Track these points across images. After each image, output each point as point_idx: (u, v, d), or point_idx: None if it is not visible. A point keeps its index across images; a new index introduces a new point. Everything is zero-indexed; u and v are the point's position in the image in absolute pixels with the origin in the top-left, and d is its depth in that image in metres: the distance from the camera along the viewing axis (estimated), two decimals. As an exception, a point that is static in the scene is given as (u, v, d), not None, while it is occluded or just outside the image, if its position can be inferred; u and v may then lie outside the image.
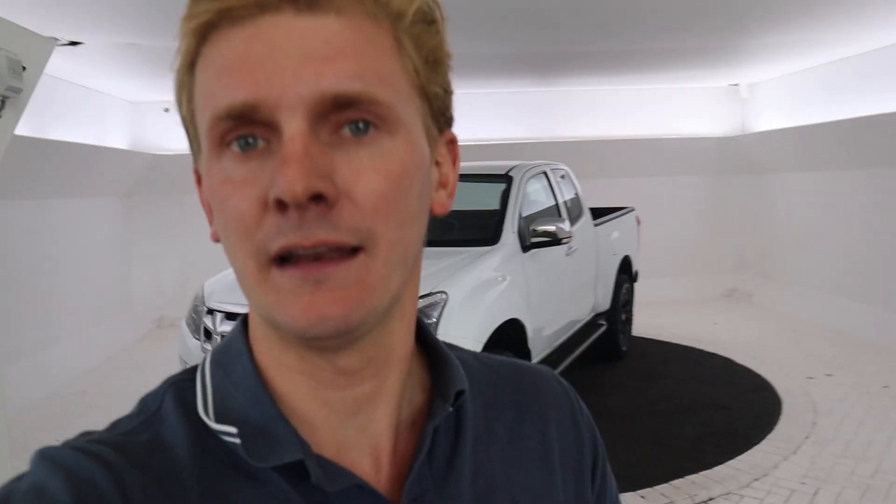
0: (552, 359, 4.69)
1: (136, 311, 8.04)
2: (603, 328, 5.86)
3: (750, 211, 9.08)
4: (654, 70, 7.83)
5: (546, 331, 4.50)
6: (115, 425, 0.55)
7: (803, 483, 3.94)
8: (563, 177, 5.66)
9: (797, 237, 8.19)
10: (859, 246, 7.09)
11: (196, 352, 3.74)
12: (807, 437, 4.53)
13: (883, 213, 6.74)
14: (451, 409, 0.61)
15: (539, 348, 4.42)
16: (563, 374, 4.87)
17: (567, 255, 5.00)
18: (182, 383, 0.58)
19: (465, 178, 5.12)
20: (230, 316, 3.65)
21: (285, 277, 0.48)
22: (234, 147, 0.49)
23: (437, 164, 0.59)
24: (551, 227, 4.45)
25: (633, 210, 6.94)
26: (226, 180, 0.49)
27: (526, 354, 4.16)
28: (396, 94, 0.50)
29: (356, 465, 0.57)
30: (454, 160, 0.62)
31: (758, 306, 8.66)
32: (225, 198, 0.49)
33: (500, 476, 0.64)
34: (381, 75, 0.50)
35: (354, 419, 0.57)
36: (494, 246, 4.19)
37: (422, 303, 3.51)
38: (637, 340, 6.85)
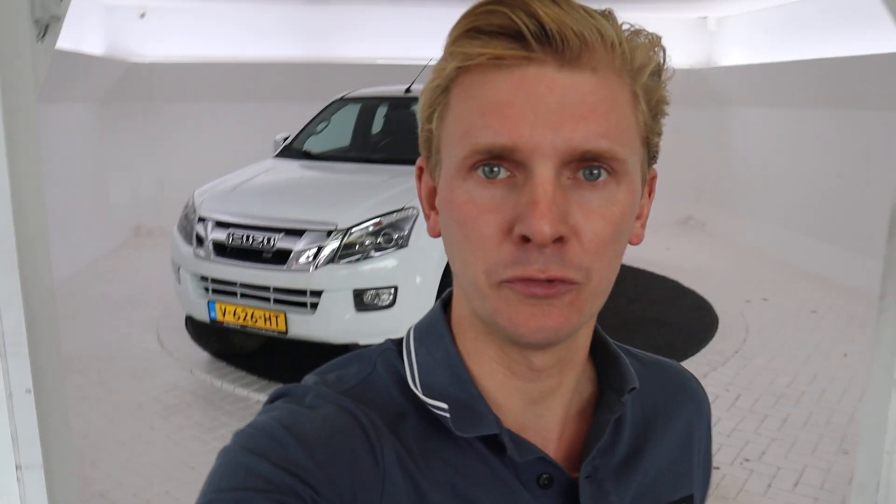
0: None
1: (113, 218, 8.24)
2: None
3: (711, 143, 9.41)
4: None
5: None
6: (341, 379, 0.64)
7: (727, 390, 4.45)
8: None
9: (752, 170, 8.60)
10: (806, 181, 7.52)
11: (189, 257, 4.06)
12: (736, 352, 5.04)
13: (832, 152, 7.14)
14: (624, 403, 0.67)
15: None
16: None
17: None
18: (389, 352, 0.67)
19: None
20: (220, 224, 3.96)
21: (514, 291, 0.55)
22: (480, 172, 0.55)
23: None
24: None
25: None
26: (469, 201, 0.56)
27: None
28: (630, 149, 0.57)
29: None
30: (650, 192, 0.66)
31: (710, 234, 9.14)
32: (469, 218, 0.56)
33: (654, 456, 0.71)
34: (621, 132, 0.55)
35: (535, 406, 0.65)
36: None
37: (394, 217, 3.85)
38: (593, 262, 7.27)
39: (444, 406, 0.62)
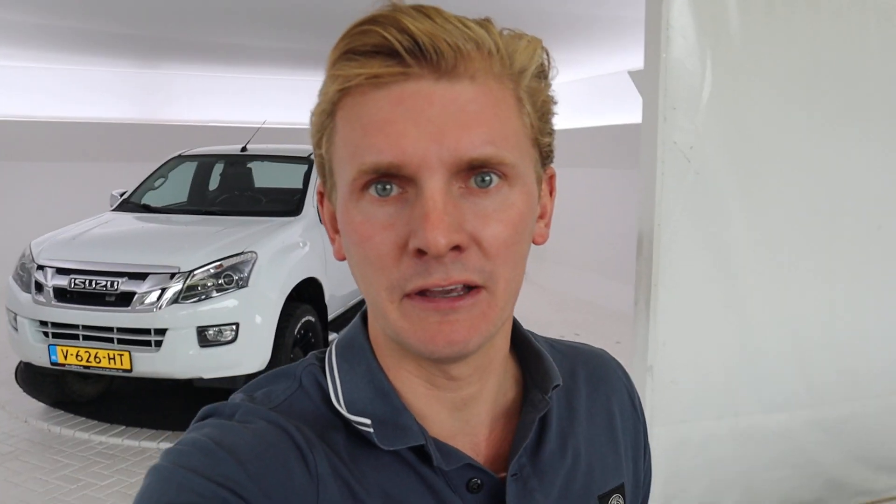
0: (347, 316, 5.47)
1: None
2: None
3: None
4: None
5: (340, 291, 5.28)
6: (268, 396, 0.64)
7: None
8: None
9: (565, 224, 9.55)
10: (605, 230, 8.52)
11: (28, 304, 4.15)
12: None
13: (619, 205, 8.17)
14: (549, 400, 0.67)
15: (335, 305, 5.19)
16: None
17: (361, 228, 5.80)
18: (314, 367, 0.67)
19: (272, 158, 5.79)
20: (61, 271, 4.09)
21: (417, 308, 0.55)
22: (372, 191, 0.55)
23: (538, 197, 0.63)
24: (347, 203, 5.26)
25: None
26: (365, 221, 0.56)
27: (323, 309, 4.92)
28: (518, 152, 0.57)
29: (460, 449, 0.64)
30: (551, 191, 0.67)
31: (533, 284, 9.92)
32: (366, 237, 0.56)
33: (581, 449, 0.71)
34: (507, 136, 0.56)
35: (459, 413, 0.65)
36: (297, 217, 4.90)
37: (235, 260, 4.15)
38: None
39: (367, 422, 0.62)
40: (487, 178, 0.55)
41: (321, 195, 0.65)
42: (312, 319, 4.69)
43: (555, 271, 9.69)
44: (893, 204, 3.29)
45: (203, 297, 4.04)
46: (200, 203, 5.56)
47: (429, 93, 0.53)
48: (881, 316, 3.23)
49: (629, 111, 7.59)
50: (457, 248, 0.54)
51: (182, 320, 3.97)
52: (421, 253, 0.53)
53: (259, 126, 6.21)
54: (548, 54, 0.60)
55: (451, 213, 0.53)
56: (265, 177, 5.93)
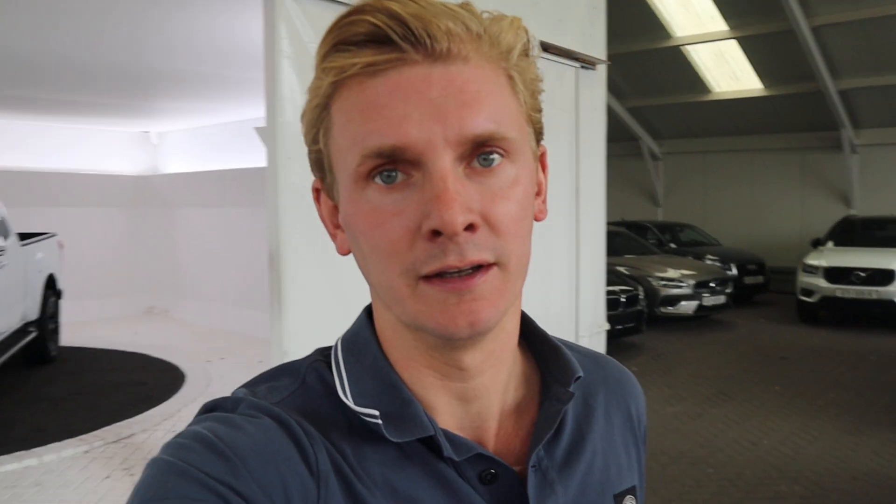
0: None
1: None
2: (32, 335, 6.87)
3: (162, 239, 10.70)
4: (78, 115, 9.01)
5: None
6: (272, 391, 0.62)
7: (197, 417, 5.75)
8: (-11, 203, 6.49)
9: (200, 260, 10.10)
10: (242, 265, 9.27)
11: None
12: (201, 393, 6.36)
13: (250, 240, 8.97)
14: (573, 393, 0.66)
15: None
16: None
17: (-3, 269, 5.95)
18: (318, 364, 0.65)
19: None
20: None
21: (434, 290, 0.55)
22: (378, 180, 0.55)
23: None
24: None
25: (55, 235, 7.98)
26: (372, 209, 0.56)
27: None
28: (517, 128, 0.58)
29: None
30: (544, 168, 0.67)
31: (173, 319, 10.34)
32: (375, 225, 0.56)
33: (598, 446, 0.71)
34: (507, 113, 0.57)
35: (469, 405, 0.64)
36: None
37: None
38: (68, 349, 7.94)
39: (376, 413, 0.61)
40: (491, 156, 0.56)
41: (317, 191, 0.65)
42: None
43: (193, 305, 10.21)
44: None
45: None
46: None
47: (426, 75, 0.54)
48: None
49: (254, 155, 8.61)
50: (470, 227, 0.54)
51: None
52: (435, 235, 0.53)
53: None
54: (527, 32, 0.61)
55: (462, 193, 0.54)
56: None
